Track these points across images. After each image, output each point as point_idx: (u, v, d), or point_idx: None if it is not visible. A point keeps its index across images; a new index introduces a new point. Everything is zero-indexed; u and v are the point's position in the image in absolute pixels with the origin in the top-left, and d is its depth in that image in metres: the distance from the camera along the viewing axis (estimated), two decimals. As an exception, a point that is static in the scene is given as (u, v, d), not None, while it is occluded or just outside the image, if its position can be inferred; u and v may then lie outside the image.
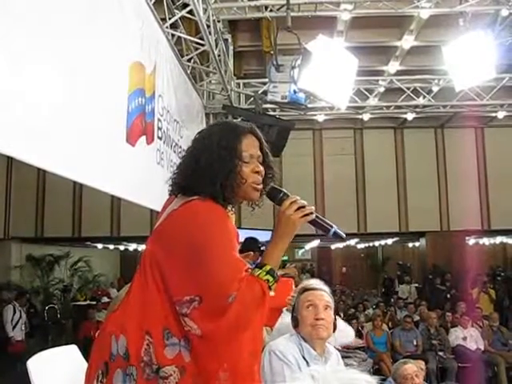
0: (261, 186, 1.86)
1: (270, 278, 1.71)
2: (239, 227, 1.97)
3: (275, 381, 2.33)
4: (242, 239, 4.57)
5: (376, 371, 7.94)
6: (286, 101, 5.80)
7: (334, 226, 1.82)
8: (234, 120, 2.00)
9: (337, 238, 1.83)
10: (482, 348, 8.73)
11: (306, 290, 2.62)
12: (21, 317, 9.95)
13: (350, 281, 20.25)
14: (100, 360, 1.75)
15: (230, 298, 1.62)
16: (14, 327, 9.72)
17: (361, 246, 21.84)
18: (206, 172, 1.76)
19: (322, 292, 2.59)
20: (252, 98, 8.55)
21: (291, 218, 1.77)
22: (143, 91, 4.59)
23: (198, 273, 1.65)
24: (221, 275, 1.65)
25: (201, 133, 1.94)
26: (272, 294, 1.75)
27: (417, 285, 15.43)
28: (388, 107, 10.22)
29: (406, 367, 3.87)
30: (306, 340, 2.50)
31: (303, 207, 1.78)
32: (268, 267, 1.73)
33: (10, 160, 13.41)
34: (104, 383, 1.72)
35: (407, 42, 9.83)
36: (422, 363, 4.58)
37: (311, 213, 1.79)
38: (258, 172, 1.85)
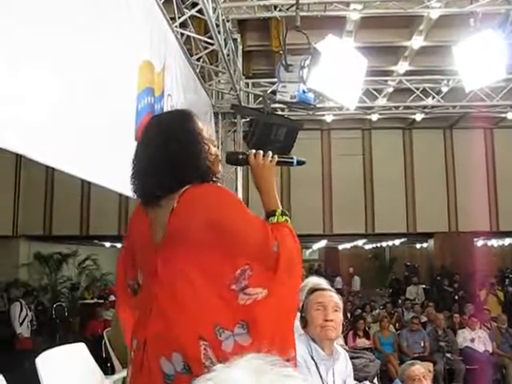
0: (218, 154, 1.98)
1: (287, 218, 1.87)
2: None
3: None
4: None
5: (382, 372, 7.92)
6: (294, 101, 5.77)
7: (293, 156, 2.04)
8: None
9: (301, 164, 2.04)
10: (490, 350, 8.68)
11: (315, 290, 2.61)
12: (27, 314, 10.01)
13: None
14: None
15: (275, 248, 1.72)
16: (21, 324, 9.79)
17: (368, 246, 21.79)
18: (186, 160, 1.80)
19: (331, 293, 2.58)
20: (261, 98, 8.54)
21: (265, 165, 1.93)
22: (152, 90, 4.59)
23: (236, 245, 1.71)
24: (256, 235, 1.74)
25: (151, 129, 1.94)
26: None
27: (424, 286, 15.38)
28: (397, 107, 10.18)
29: (414, 368, 3.85)
30: (314, 340, 2.50)
31: (264, 155, 1.95)
32: (279, 210, 1.86)
33: (18, 159, 13.48)
34: None
35: (417, 42, 9.80)
36: (430, 365, 4.55)
37: (273, 156, 1.95)
38: (215, 145, 1.97)
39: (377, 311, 11.22)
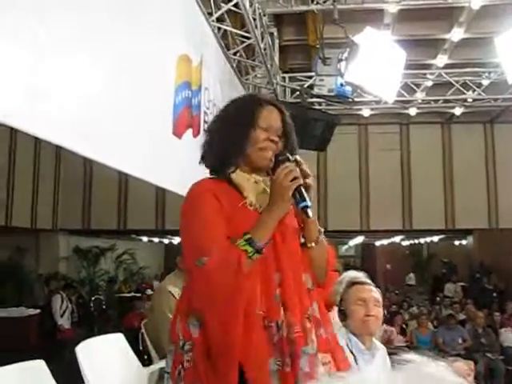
0: (269, 155, 1.84)
1: (249, 249, 1.69)
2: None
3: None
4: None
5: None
6: (332, 94, 5.74)
7: (308, 202, 1.74)
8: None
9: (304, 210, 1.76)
10: (533, 350, 8.46)
11: (354, 283, 2.57)
12: (67, 306, 10.20)
13: (394, 278, 19.95)
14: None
15: (198, 262, 1.68)
16: (61, 316, 9.99)
17: (406, 243, 21.50)
18: (221, 138, 1.89)
19: (370, 287, 2.54)
20: (297, 92, 8.49)
21: (282, 184, 1.74)
22: (190, 84, 4.61)
23: (182, 241, 1.89)
24: (192, 241, 1.80)
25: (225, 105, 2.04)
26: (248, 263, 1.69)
27: (463, 284, 15.11)
28: (436, 101, 10.00)
29: (455, 365, 3.76)
30: (354, 334, 2.47)
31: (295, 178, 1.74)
32: (248, 236, 1.70)
33: (58, 153, 13.74)
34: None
35: (457, 34, 9.56)
36: (471, 363, 4.44)
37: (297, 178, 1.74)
38: (272, 141, 1.86)
39: (414, 308, 11.07)
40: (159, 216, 14.50)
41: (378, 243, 21.97)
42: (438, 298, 12.77)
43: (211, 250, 1.68)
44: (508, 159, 13.55)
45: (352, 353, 2.39)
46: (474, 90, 9.44)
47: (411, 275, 19.14)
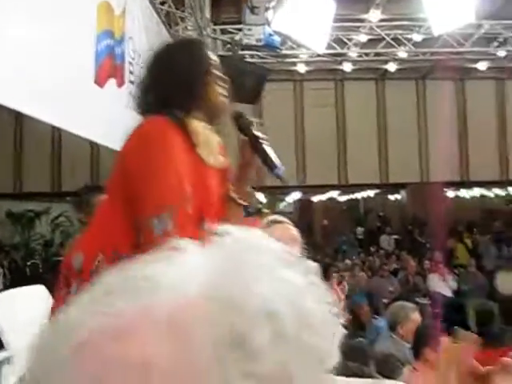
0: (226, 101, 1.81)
1: None
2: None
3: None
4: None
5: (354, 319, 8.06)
6: (260, 44, 5.69)
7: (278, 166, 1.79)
8: None
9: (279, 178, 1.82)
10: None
11: (273, 223, 2.58)
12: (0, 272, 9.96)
13: (330, 233, 20.40)
14: (62, 277, 1.80)
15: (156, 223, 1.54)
16: (-6, 281, 9.74)
17: (343, 198, 21.91)
18: (181, 80, 1.69)
19: (288, 225, 2.55)
20: (228, 45, 8.37)
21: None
22: (112, 33, 4.45)
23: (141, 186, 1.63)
24: (155, 192, 1.59)
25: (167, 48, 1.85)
26: None
27: (397, 236, 15.63)
28: (368, 54, 10.10)
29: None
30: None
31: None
32: None
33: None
34: (65, 293, 1.77)
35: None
36: None
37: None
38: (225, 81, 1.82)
39: (348, 261, 11.37)
40: (94, 176, 14.19)
41: (315, 199, 22.28)
42: (372, 249, 13.17)
43: (179, 206, 1.58)
44: (438, 115, 13.92)
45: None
46: (406, 46, 9.57)
47: (359, 229, 19.55)
